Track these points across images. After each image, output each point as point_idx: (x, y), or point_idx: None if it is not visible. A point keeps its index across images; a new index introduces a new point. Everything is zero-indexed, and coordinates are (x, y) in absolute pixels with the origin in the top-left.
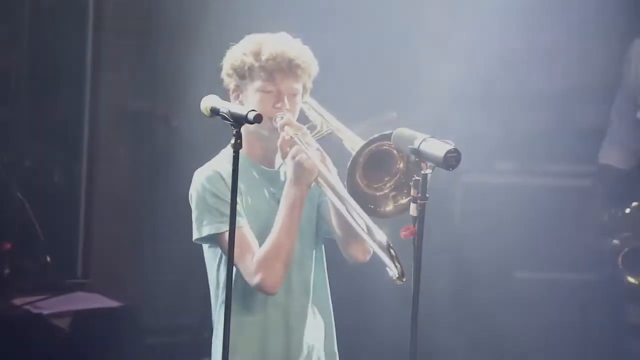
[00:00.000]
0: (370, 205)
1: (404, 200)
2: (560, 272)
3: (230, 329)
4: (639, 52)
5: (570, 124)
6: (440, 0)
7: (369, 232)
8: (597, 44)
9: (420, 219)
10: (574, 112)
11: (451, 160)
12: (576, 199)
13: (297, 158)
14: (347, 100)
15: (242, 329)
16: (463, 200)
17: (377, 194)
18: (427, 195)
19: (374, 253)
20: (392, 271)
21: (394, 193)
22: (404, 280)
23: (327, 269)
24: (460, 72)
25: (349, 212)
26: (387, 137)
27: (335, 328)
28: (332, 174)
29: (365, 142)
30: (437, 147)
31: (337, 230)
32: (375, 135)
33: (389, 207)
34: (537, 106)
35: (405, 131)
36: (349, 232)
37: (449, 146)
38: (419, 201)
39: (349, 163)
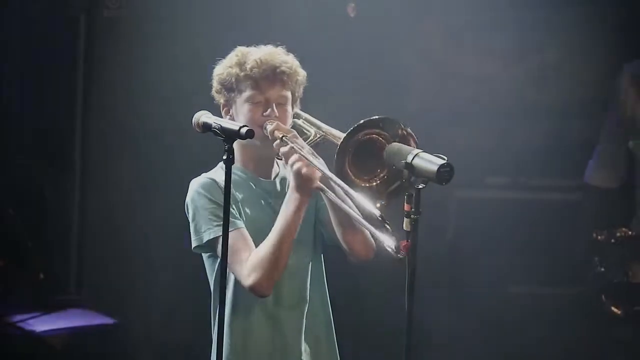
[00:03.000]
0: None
1: (392, 187)
2: (553, 287)
3: (234, 337)
4: (629, 80)
5: (562, 139)
6: (433, 17)
7: (363, 210)
8: (588, 60)
9: (413, 233)
10: (566, 127)
11: (444, 175)
12: (568, 213)
13: (295, 167)
14: (337, 115)
15: (242, 337)
16: (456, 214)
17: (368, 185)
18: (420, 210)
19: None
20: (389, 246)
21: (385, 185)
22: (402, 255)
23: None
24: (453, 87)
25: (344, 202)
26: (375, 123)
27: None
28: (321, 163)
29: (352, 128)
30: (430, 162)
31: (338, 229)
32: (362, 121)
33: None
34: (529, 121)
35: (398, 146)
36: (349, 226)
37: (442, 160)
38: (412, 216)
39: (336, 151)
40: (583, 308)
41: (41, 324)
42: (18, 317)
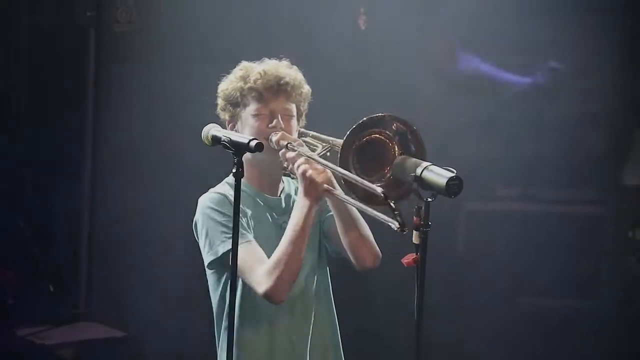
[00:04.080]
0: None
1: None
2: (562, 299)
3: (236, 351)
4: None
5: (573, 150)
6: (444, 29)
7: (367, 195)
8: (599, 71)
9: (422, 246)
10: (577, 138)
11: (453, 188)
12: (580, 225)
13: (300, 169)
14: (347, 128)
15: (248, 352)
16: (466, 227)
17: (378, 185)
18: (430, 223)
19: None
20: (393, 223)
21: (393, 183)
22: (406, 230)
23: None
24: (463, 99)
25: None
26: (377, 122)
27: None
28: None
29: (353, 127)
30: (440, 175)
31: (343, 237)
32: (363, 120)
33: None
34: (539, 133)
35: (407, 159)
36: (355, 233)
37: (451, 174)
38: (421, 229)
39: (339, 152)
40: (593, 320)
41: (51, 337)
42: (28, 330)
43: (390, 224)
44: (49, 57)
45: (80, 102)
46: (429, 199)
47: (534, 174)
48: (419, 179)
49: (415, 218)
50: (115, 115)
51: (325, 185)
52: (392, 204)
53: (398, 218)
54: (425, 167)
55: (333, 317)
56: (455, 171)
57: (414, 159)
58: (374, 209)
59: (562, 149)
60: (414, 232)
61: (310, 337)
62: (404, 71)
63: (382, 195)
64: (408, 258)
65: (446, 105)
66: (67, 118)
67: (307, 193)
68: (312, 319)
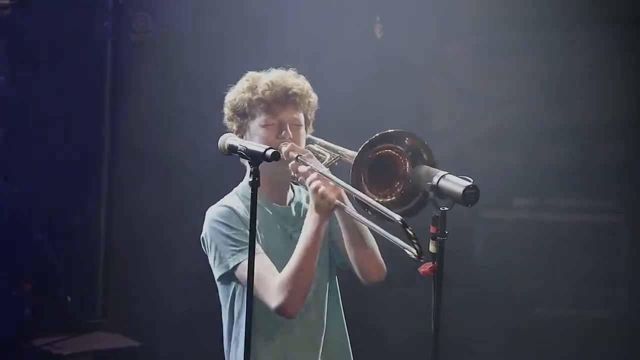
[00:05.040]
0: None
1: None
2: (579, 309)
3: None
4: None
5: (589, 160)
6: (459, 38)
7: (383, 219)
8: (615, 80)
9: (440, 255)
10: (593, 148)
11: (470, 197)
12: (597, 234)
13: (313, 185)
14: (361, 137)
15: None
16: (482, 236)
17: (385, 200)
18: (447, 232)
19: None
20: (411, 251)
21: (402, 200)
22: (423, 258)
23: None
24: (479, 109)
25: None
26: (388, 138)
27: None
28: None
29: (365, 144)
30: (456, 184)
31: (350, 250)
32: (377, 135)
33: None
34: (555, 142)
35: (423, 168)
36: (361, 247)
37: (468, 182)
38: (438, 238)
39: (350, 168)
40: (612, 330)
41: (68, 347)
42: (45, 340)
43: (407, 250)
44: (67, 67)
45: (98, 112)
46: (446, 208)
47: (551, 183)
48: (436, 188)
49: (432, 227)
50: (132, 124)
51: (337, 201)
52: (410, 232)
53: (416, 246)
54: (442, 176)
55: (343, 328)
56: (471, 180)
57: (430, 168)
58: (387, 228)
59: (580, 157)
60: (431, 241)
61: (321, 347)
62: (420, 79)
63: (401, 222)
64: (425, 267)
65: (462, 114)
66: (83, 126)
67: (318, 208)
68: (324, 329)
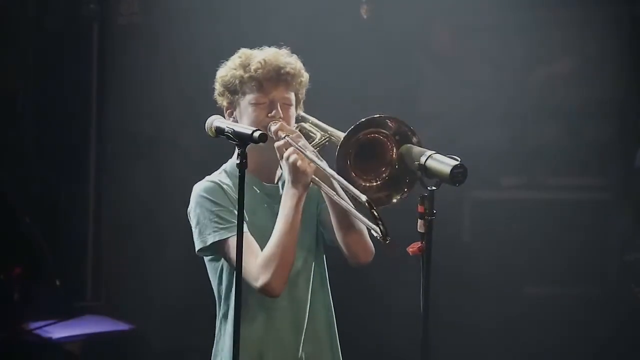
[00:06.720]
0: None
1: (402, 195)
2: (569, 287)
3: (229, 342)
4: None
5: (578, 138)
6: (447, 19)
7: (352, 198)
8: (605, 59)
9: (428, 235)
10: (582, 126)
11: (457, 176)
12: (585, 212)
13: (290, 159)
14: (349, 118)
15: (243, 337)
16: (470, 215)
17: (371, 184)
18: (435, 211)
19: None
20: (376, 231)
21: (388, 183)
22: (388, 239)
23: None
24: (468, 88)
25: (342, 198)
26: (375, 122)
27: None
28: (323, 163)
29: (351, 128)
30: (444, 163)
31: (338, 231)
32: (362, 120)
33: (390, 197)
34: (544, 121)
35: (411, 147)
36: (348, 228)
37: (455, 162)
38: (426, 217)
39: (336, 151)
40: (601, 308)
41: (58, 331)
42: (35, 324)
43: (373, 231)
44: (53, 50)
45: (85, 96)
46: (433, 188)
47: (539, 162)
48: (423, 168)
49: (419, 206)
50: (119, 107)
51: (313, 177)
52: (375, 212)
53: (381, 227)
54: (429, 156)
55: (329, 303)
56: (459, 159)
57: (418, 148)
58: (360, 209)
59: (568, 136)
60: (419, 220)
61: (306, 321)
62: (407, 60)
63: (367, 203)
64: (413, 246)
65: (450, 95)
66: (71, 110)
67: (295, 182)
68: (309, 304)
